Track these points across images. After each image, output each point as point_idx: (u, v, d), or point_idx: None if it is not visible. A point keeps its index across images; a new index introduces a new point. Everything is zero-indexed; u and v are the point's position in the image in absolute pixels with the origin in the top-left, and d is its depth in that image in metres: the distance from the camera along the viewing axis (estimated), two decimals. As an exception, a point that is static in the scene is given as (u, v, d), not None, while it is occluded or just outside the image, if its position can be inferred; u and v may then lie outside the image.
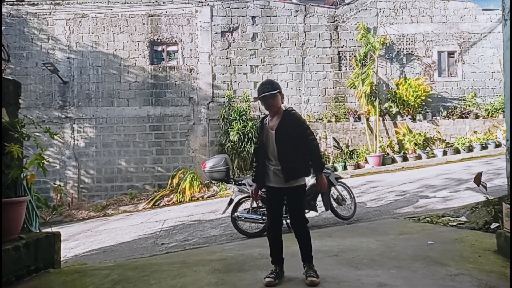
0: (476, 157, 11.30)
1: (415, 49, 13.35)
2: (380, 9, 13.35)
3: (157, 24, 12.93)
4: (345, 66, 13.33)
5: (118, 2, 12.87)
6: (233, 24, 13.08)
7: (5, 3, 12.10)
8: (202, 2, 12.99)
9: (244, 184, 5.80)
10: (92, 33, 12.79)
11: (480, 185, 4.22)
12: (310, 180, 5.21)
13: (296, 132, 3.11)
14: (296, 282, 3.07)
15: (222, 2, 13.04)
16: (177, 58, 13.18)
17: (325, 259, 3.64)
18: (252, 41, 13.08)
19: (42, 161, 3.60)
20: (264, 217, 5.66)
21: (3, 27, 11.65)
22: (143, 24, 12.89)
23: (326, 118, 12.86)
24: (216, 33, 13.02)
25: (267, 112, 3.29)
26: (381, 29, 13.21)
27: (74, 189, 12.32)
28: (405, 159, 12.21)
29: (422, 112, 12.88)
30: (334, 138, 12.70)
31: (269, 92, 3.11)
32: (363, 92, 12.27)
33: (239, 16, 13.09)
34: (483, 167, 8.70)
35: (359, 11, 13.33)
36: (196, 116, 12.84)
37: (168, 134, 12.76)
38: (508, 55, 3.50)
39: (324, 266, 3.40)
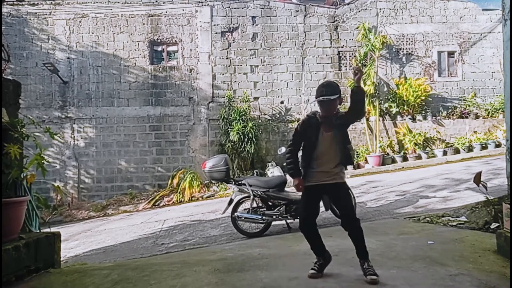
0: (476, 157, 11.30)
1: (415, 49, 13.35)
2: (380, 9, 13.35)
3: (157, 24, 12.93)
4: (345, 66, 13.33)
5: (118, 2, 12.87)
6: (233, 24, 13.07)
7: (5, 3, 12.09)
8: (202, 2, 12.99)
9: (244, 184, 5.80)
10: (92, 33, 12.79)
11: (480, 185, 4.22)
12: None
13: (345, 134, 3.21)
14: (297, 282, 3.07)
15: (222, 2, 13.04)
16: (177, 58, 13.18)
17: (326, 259, 3.64)
18: (252, 41, 13.08)
19: (42, 161, 3.59)
20: (264, 217, 5.67)
21: (3, 27, 11.64)
22: (143, 24, 12.89)
23: (326, 118, 12.83)
24: (216, 33, 13.02)
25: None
26: (381, 29, 13.21)
27: (74, 189, 12.32)
28: (405, 159, 12.21)
29: (422, 112, 12.88)
30: (334, 138, 12.68)
31: (327, 97, 3.00)
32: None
33: (239, 16, 13.09)
34: (483, 167, 8.70)
35: (359, 11, 13.32)
36: (196, 116, 12.84)
37: (168, 134, 12.76)
38: (508, 55, 3.50)
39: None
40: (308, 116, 3.24)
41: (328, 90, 3.03)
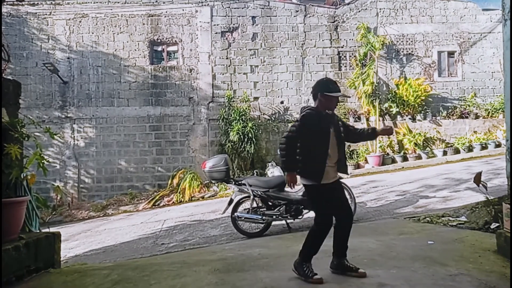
0: (476, 157, 11.30)
1: (415, 49, 13.34)
2: (380, 9, 13.35)
3: (157, 24, 12.92)
4: (345, 66, 13.33)
5: (118, 2, 12.86)
6: (233, 24, 13.07)
7: (5, 3, 12.08)
8: (202, 2, 12.99)
9: (244, 184, 5.80)
10: (92, 33, 12.79)
11: (480, 185, 4.22)
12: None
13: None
14: (297, 282, 3.08)
15: (222, 2, 13.03)
16: (177, 58, 13.17)
17: (326, 259, 3.64)
18: (252, 41, 13.07)
19: (42, 161, 3.59)
20: (264, 217, 5.66)
21: (3, 27, 11.63)
22: (143, 24, 12.89)
23: (326, 118, 12.83)
24: (216, 33, 13.02)
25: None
26: (381, 29, 13.20)
27: (74, 189, 12.32)
28: (405, 159, 12.20)
29: (422, 112, 12.87)
30: (334, 138, 12.68)
31: (340, 93, 3.26)
32: (364, 92, 12.26)
33: (239, 16, 13.08)
34: (483, 167, 8.70)
35: (359, 11, 13.32)
36: (196, 116, 12.84)
37: (168, 134, 12.75)
38: (508, 55, 3.50)
39: (325, 266, 3.40)
40: (312, 109, 3.26)
41: (337, 87, 3.26)
